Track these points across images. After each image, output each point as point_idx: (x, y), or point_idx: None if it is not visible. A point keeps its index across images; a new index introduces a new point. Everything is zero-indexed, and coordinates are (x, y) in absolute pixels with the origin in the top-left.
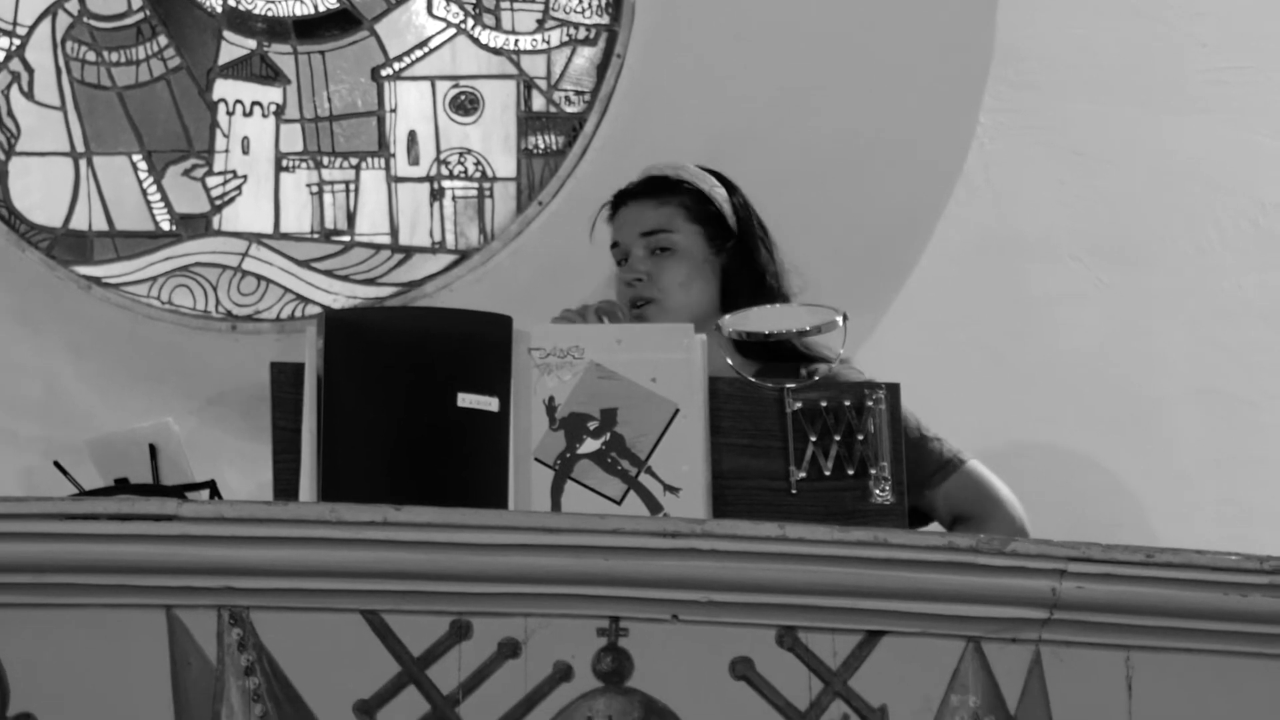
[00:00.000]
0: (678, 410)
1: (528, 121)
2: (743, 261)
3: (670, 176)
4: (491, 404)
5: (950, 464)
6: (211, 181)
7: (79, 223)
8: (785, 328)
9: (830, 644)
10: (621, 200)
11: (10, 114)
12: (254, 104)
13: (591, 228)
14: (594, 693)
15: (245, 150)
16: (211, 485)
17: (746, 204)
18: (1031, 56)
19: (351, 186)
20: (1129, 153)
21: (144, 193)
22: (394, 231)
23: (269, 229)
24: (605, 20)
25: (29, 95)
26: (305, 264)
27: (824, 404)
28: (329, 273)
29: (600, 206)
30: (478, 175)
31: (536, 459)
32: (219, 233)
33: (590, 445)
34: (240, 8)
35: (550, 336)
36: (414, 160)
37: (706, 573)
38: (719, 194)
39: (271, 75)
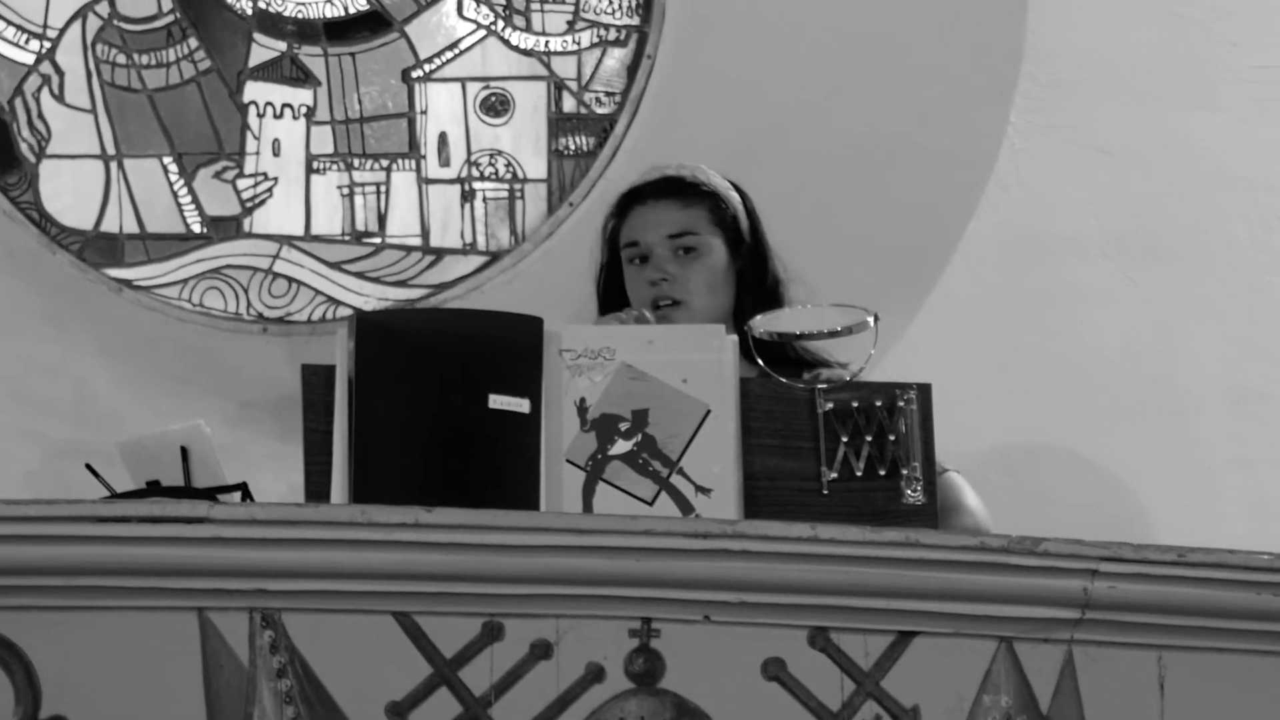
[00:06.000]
0: (709, 411)
1: (558, 123)
2: (756, 271)
3: (692, 179)
4: (523, 405)
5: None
6: (242, 184)
7: (110, 225)
8: (818, 329)
9: (862, 644)
10: (637, 199)
11: (41, 117)
12: (284, 106)
13: (605, 228)
14: (626, 694)
15: (276, 152)
16: (243, 487)
17: (756, 213)
18: (1062, 55)
19: (382, 188)
20: (1158, 151)
21: (175, 195)
22: (425, 233)
23: (300, 231)
24: (635, 21)
25: (59, 98)
26: (336, 266)
27: (855, 404)
28: (360, 274)
29: (612, 205)
30: (508, 177)
31: (568, 460)
32: (250, 235)
33: (622, 446)
34: (270, 10)
35: (581, 338)
36: (444, 162)
37: (738, 573)
38: (735, 200)
39: (302, 77)
